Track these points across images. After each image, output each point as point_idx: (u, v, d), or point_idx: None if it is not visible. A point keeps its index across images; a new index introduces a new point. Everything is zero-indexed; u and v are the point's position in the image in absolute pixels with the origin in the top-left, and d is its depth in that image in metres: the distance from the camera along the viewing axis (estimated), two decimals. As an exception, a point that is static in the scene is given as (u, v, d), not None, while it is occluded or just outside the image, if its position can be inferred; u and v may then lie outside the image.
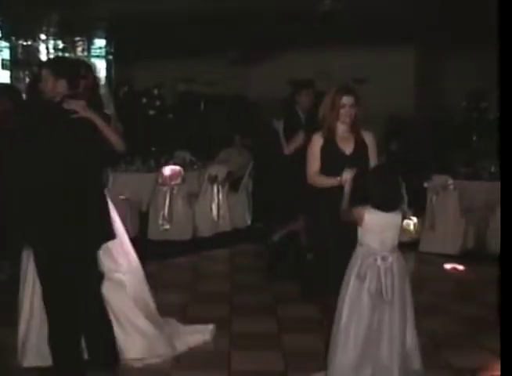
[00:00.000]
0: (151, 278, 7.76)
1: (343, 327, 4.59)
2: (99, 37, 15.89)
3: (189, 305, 6.78)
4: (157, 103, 15.75)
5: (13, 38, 15.46)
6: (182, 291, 7.35)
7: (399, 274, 4.66)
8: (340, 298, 4.67)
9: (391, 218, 4.72)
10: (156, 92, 15.71)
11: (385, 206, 4.67)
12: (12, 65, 16.06)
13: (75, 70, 4.94)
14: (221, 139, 12.97)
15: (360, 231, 4.73)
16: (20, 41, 15.44)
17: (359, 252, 4.70)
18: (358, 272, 4.63)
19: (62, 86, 4.71)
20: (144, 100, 15.61)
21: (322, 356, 5.18)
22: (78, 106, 4.63)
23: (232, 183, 10.56)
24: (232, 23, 12.08)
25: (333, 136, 5.41)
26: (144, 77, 15.71)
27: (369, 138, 5.49)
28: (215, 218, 10.08)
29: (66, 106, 4.62)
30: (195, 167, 10.67)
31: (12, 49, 15.99)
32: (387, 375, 4.56)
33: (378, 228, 4.68)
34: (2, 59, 16.31)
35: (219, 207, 10.11)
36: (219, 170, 10.20)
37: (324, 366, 4.72)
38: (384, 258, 4.63)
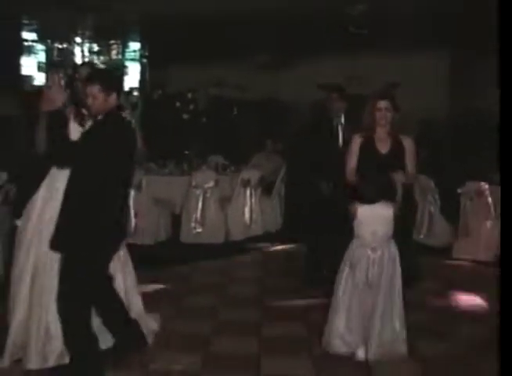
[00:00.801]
0: (182, 281, 7.86)
1: (337, 304, 5.29)
2: (134, 41, 15.99)
3: (220, 309, 6.78)
4: (191, 106, 15.81)
5: (49, 41, 15.61)
6: (213, 294, 7.34)
7: (389, 264, 5.20)
8: (335, 283, 5.32)
9: (381, 211, 5.22)
10: (190, 95, 15.77)
11: (368, 199, 5.22)
12: (48, 67, 16.21)
13: (120, 80, 5.05)
14: (253, 143, 12.99)
15: (355, 224, 5.27)
16: (56, 44, 15.58)
17: (353, 244, 5.29)
18: (351, 261, 5.24)
19: (114, 100, 4.79)
20: (178, 104, 15.69)
21: (352, 362, 5.20)
22: None
23: (265, 187, 10.55)
24: (264, 28, 12.09)
25: (372, 137, 5.96)
26: (177, 81, 15.79)
27: (407, 142, 5.95)
28: (247, 221, 10.09)
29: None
30: (228, 171, 10.71)
31: (48, 52, 16.14)
32: (372, 350, 5.15)
33: (369, 220, 5.21)
34: (38, 62, 16.48)
35: (252, 211, 10.12)
36: (252, 174, 10.21)
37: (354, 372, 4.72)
38: (373, 249, 5.19)
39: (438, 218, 9.56)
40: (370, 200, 5.23)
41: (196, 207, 9.68)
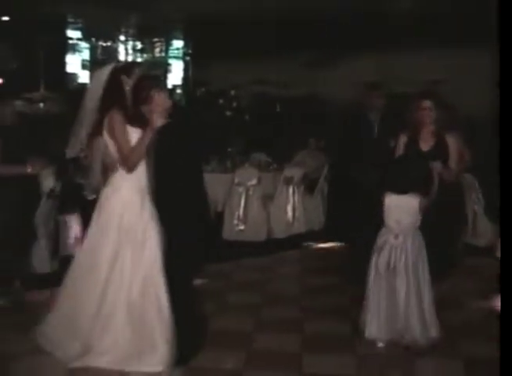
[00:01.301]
0: (225, 278, 7.88)
1: (369, 291, 5.56)
2: (177, 39, 16.09)
3: (263, 306, 6.79)
4: (234, 104, 15.85)
5: (93, 39, 15.78)
6: (255, 291, 7.35)
7: (413, 252, 5.46)
8: (368, 271, 5.58)
9: (406, 202, 5.50)
10: (233, 93, 15.81)
11: (401, 190, 5.49)
12: (92, 65, 16.40)
13: None
14: (296, 141, 12.96)
15: (383, 213, 5.56)
16: (100, 42, 15.74)
17: (381, 232, 5.60)
18: (377, 248, 5.55)
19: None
20: (221, 101, 15.74)
21: (395, 361, 5.18)
22: None
23: (308, 185, 10.52)
24: (307, 25, 12.07)
25: (416, 135, 6.18)
26: (220, 79, 15.83)
27: (451, 140, 6.08)
28: (290, 219, 10.06)
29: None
30: (270, 168, 10.70)
31: (92, 50, 16.31)
32: (402, 335, 5.43)
33: (394, 209, 5.50)
34: (82, 60, 16.66)
35: (294, 209, 10.09)
36: (295, 172, 10.19)
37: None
38: (396, 236, 5.46)
39: (481, 218, 9.46)
40: (403, 191, 5.51)
41: (239, 205, 9.69)
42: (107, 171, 5.09)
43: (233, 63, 15.38)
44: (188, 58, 17.57)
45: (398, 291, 5.46)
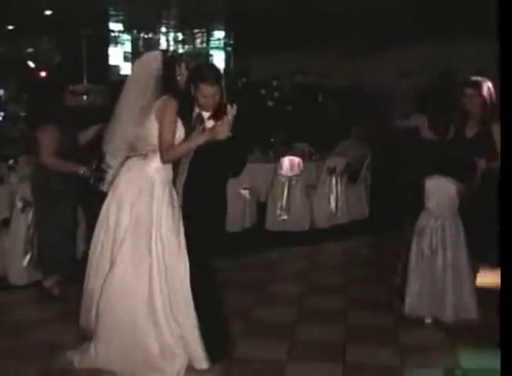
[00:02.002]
0: (267, 268, 7.89)
1: (410, 271, 5.84)
2: (218, 29, 16.08)
3: (305, 296, 6.78)
4: (276, 94, 15.82)
5: (135, 31, 15.84)
6: (298, 281, 7.36)
7: (452, 234, 5.73)
8: (410, 251, 5.88)
9: (445, 186, 5.78)
10: (274, 83, 15.78)
11: (437, 172, 5.83)
12: (134, 57, 16.47)
13: None
14: (338, 130, 12.90)
15: (425, 197, 5.84)
16: (142, 34, 15.80)
17: (421, 215, 5.87)
18: (418, 230, 5.83)
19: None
20: (263, 91, 15.71)
21: (437, 350, 5.15)
22: None
23: (351, 175, 10.47)
24: (347, 15, 11.99)
25: (462, 123, 6.19)
26: (262, 69, 15.80)
27: (495, 128, 5.95)
28: (333, 209, 10.03)
29: None
30: (313, 158, 10.67)
31: (134, 42, 16.38)
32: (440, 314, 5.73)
33: (434, 192, 5.80)
34: (124, 52, 16.75)
35: (337, 199, 10.05)
36: (338, 162, 10.14)
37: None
38: (436, 219, 5.77)
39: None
40: (443, 175, 5.81)
41: (282, 195, 9.68)
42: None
43: (275, 53, 15.33)
44: (229, 48, 17.54)
45: (437, 271, 5.74)
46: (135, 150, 4.85)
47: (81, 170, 6.45)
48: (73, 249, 6.85)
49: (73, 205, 6.72)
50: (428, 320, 5.79)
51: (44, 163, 6.50)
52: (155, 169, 4.82)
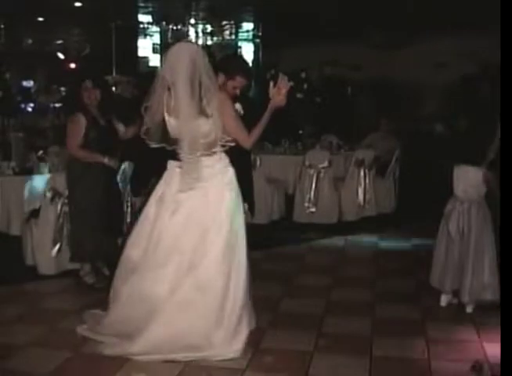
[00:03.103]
0: (295, 260, 7.89)
1: (437, 251, 6.20)
2: (247, 21, 16.08)
3: (333, 289, 6.76)
4: (305, 86, 15.79)
5: (163, 23, 15.88)
6: (325, 274, 7.33)
7: (478, 218, 5.95)
8: (438, 234, 6.23)
9: (471, 174, 5.99)
10: (303, 75, 15.74)
11: (466, 161, 6.04)
12: (162, 49, 16.53)
13: None
14: (367, 123, 12.85)
15: (453, 183, 6.08)
16: (170, 26, 15.83)
17: (450, 200, 6.13)
18: (446, 214, 6.12)
19: None
20: (291, 83, 15.68)
21: (466, 345, 5.11)
22: None
23: (379, 168, 10.42)
24: (378, 6, 11.93)
25: None
26: (291, 60, 15.77)
27: None
28: (361, 202, 9.98)
29: None
30: (342, 150, 10.64)
31: (163, 34, 16.43)
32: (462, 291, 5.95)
33: (461, 179, 6.03)
34: (153, 44, 16.81)
35: (365, 192, 10.00)
36: (366, 154, 10.09)
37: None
38: (462, 203, 6.01)
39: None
40: (470, 163, 6.03)
41: (310, 187, 9.65)
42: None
43: (304, 45, 15.30)
44: (258, 40, 17.55)
45: (460, 253, 6.00)
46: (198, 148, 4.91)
47: (108, 160, 6.52)
48: (108, 238, 6.87)
49: (104, 194, 6.74)
50: (447, 297, 6.16)
51: (71, 152, 6.58)
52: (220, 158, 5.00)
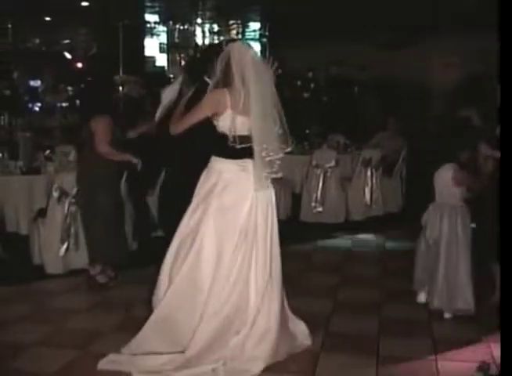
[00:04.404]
0: (303, 260, 7.88)
1: (417, 254, 6.20)
2: (254, 21, 16.08)
3: (340, 288, 6.76)
4: (311, 85, 15.79)
5: (170, 23, 15.90)
6: (333, 273, 7.33)
7: (451, 224, 5.79)
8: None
9: (442, 174, 5.89)
10: (310, 74, 15.74)
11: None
12: (169, 48, 16.56)
13: None
14: (374, 122, 12.84)
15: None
16: (177, 26, 15.85)
17: (432, 205, 6.02)
18: (424, 220, 6.06)
19: None
20: (298, 83, 15.68)
21: (472, 344, 5.10)
22: None
23: (386, 168, 10.40)
24: (384, 6, 11.92)
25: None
26: (297, 60, 15.76)
27: None
28: (368, 202, 9.97)
29: None
30: (348, 150, 10.64)
31: (169, 33, 16.45)
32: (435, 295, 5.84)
33: (436, 181, 5.96)
34: (160, 43, 16.82)
35: (372, 192, 9.99)
36: (373, 154, 10.08)
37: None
38: (438, 207, 5.93)
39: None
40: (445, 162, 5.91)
41: (317, 187, 9.65)
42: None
43: (310, 45, 15.29)
44: (264, 40, 17.54)
45: (438, 260, 5.84)
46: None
47: (134, 160, 6.54)
48: (121, 238, 6.91)
49: (116, 195, 6.78)
50: (422, 299, 6.14)
51: (100, 152, 6.47)
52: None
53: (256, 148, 4.74)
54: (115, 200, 6.70)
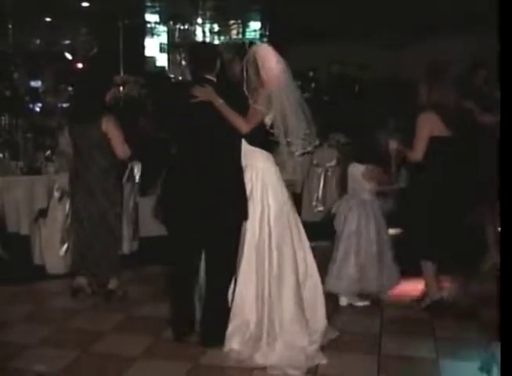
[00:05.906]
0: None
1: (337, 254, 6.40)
2: (254, 20, 16.08)
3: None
4: (312, 85, 15.75)
5: (171, 22, 15.89)
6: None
7: (367, 216, 6.15)
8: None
9: (353, 169, 6.28)
10: (311, 74, 15.72)
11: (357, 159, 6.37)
12: (169, 48, 16.54)
13: None
14: (374, 121, 12.80)
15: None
16: (177, 25, 15.84)
17: (345, 197, 6.38)
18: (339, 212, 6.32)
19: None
20: (299, 82, 15.66)
21: (474, 344, 5.10)
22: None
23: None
24: (386, 5, 11.91)
25: None
26: (298, 60, 15.73)
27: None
28: (367, 200, 9.95)
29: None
30: (349, 149, 10.62)
31: (170, 33, 16.44)
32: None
33: (349, 177, 6.34)
34: (160, 43, 16.81)
35: (372, 190, 9.97)
36: (373, 153, 10.06)
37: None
38: (348, 201, 6.24)
39: None
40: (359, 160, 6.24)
41: (318, 186, 9.64)
42: None
43: (311, 44, 15.28)
44: (265, 39, 17.52)
45: (362, 250, 6.15)
46: None
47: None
48: (114, 246, 6.52)
49: (113, 198, 6.41)
50: (343, 303, 6.20)
51: (123, 156, 6.26)
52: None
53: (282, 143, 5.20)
54: (110, 205, 6.33)
